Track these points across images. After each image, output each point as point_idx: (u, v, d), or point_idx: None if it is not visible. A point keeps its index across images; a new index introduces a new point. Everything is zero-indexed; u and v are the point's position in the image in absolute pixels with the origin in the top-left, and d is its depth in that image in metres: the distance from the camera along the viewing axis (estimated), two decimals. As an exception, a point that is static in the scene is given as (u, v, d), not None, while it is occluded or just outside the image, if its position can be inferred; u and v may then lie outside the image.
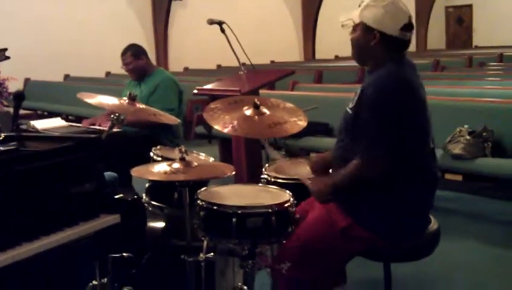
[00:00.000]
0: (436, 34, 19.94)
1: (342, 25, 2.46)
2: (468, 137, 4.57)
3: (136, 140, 4.33)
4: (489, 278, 3.61)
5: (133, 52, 4.69)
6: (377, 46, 2.38)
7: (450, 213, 4.76)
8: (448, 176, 5.39)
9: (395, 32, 2.36)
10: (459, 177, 4.84)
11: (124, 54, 4.72)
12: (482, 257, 3.94)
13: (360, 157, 2.31)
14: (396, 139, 2.27)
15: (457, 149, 4.55)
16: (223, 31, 4.12)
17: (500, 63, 10.81)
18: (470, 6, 19.46)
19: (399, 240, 2.40)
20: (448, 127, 4.71)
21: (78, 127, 4.52)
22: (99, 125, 4.45)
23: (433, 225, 2.52)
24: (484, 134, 4.58)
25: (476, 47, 17.82)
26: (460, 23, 20.01)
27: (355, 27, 2.43)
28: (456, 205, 5.13)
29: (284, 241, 2.43)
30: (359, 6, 2.42)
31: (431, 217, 2.55)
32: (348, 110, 2.43)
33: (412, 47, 18.97)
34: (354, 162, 2.33)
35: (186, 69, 13.87)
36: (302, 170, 2.86)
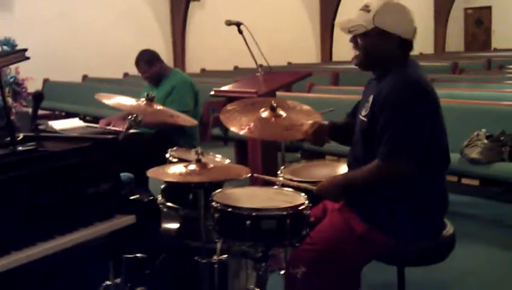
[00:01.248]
0: (455, 35, 19.80)
1: (349, 31, 2.40)
2: (485, 141, 4.53)
3: (153, 141, 4.36)
4: (505, 284, 3.58)
5: (146, 60, 4.69)
6: (393, 50, 2.37)
7: (466, 218, 4.72)
8: (464, 181, 5.36)
9: (411, 35, 2.38)
10: (476, 182, 4.80)
11: (137, 64, 4.74)
12: (498, 263, 3.90)
13: (382, 158, 2.27)
14: (417, 143, 2.26)
15: (474, 153, 4.51)
16: (240, 32, 4.13)
17: (520, 66, 10.70)
18: (489, 8, 19.29)
19: (414, 243, 2.39)
20: (465, 131, 4.67)
21: (96, 127, 4.56)
22: (114, 126, 4.48)
23: (449, 229, 2.50)
24: (502, 138, 4.53)
25: (495, 49, 17.64)
26: (479, 25, 19.84)
27: (364, 33, 2.37)
28: (473, 210, 5.08)
29: (298, 245, 2.43)
30: (366, 11, 2.36)
31: (447, 221, 2.53)
32: (362, 117, 2.41)
33: (430, 49, 18.85)
34: (374, 163, 2.29)
35: (203, 70, 13.90)
36: (318, 173, 2.85)
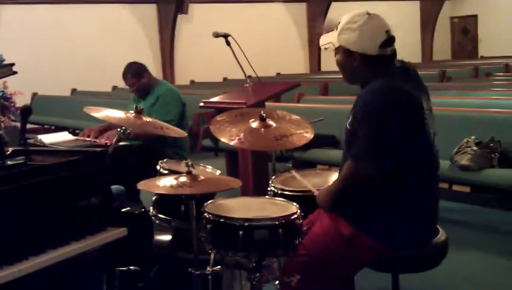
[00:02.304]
0: (442, 44, 19.92)
1: (325, 48, 2.48)
2: (475, 148, 4.55)
3: (142, 153, 4.34)
4: (498, 290, 3.59)
5: (134, 73, 4.65)
6: (360, 67, 2.39)
7: (457, 225, 4.73)
8: (455, 188, 5.36)
9: (375, 51, 2.36)
10: (467, 189, 4.81)
11: (124, 76, 4.69)
12: (490, 269, 3.91)
13: (351, 161, 2.32)
14: (387, 146, 2.27)
15: (464, 160, 4.53)
16: (228, 43, 4.14)
17: (507, 73, 10.79)
18: (475, 16, 19.43)
19: (403, 248, 2.39)
20: (455, 138, 4.69)
21: (85, 141, 4.53)
22: (96, 138, 4.42)
23: (441, 236, 2.50)
24: (491, 145, 4.56)
25: (482, 57, 17.78)
26: (465, 33, 19.99)
27: (336, 50, 2.44)
28: (464, 216, 5.10)
29: (291, 254, 2.43)
30: (336, 28, 2.42)
31: (439, 228, 2.54)
32: (347, 125, 2.44)
33: (418, 58, 18.97)
34: (346, 165, 2.36)
35: (192, 82, 13.92)
36: (311, 182, 2.85)
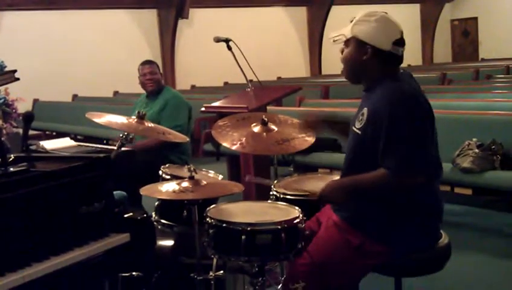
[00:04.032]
0: (442, 47, 19.93)
1: (334, 40, 2.43)
2: (476, 150, 4.55)
3: (144, 157, 4.35)
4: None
5: (157, 65, 4.86)
6: (369, 61, 2.36)
7: (460, 227, 4.73)
8: (457, 190, 5.37)
9: (388, 46, 2.34)
10: (469, 191, 4.81)
11: (150, 63, 4.83)
12: (492, 271, 3.90)
13: (390, 172, 2.25)
14: (425, 154, 2.27)
15: (466, 163, 4.53)
16: (229, 48, 4.14)
17: (507, 76, 10.79)
18: (475, 18, 19.44)
19: (411, 252, 2.38)
20: (456, 141, 4.70)
21: (87, 146, 4.54)
22: None
23: (444, 239, 2.50)
24: (493, 147, 4.56)
25: (482, 60, 17.78)
26: (466, 36, 20.00)
27: (346, 42, 2.40)
28: (466, 219, 5.09)
29: (294, 259, 2.42)
30: (350, 21, 2.40)
31: (441, 231, 2.53)
32: (356, 130, 2.40)
33: (418, 61, 18.96)
34: (380, 174, 2.27)
35: (193, 86, 13.92)
36: (311, 186, 2.85)
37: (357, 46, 2.37)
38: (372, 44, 2.34)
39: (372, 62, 2.36)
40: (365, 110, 2.37)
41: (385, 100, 2.29)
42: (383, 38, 2.35)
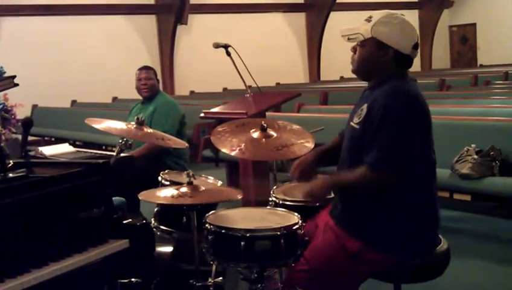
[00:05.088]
0: (441, 53, 19.96)
1: (348, 38, 2.42)
2: (475, 156, 4.55)
3: (142, 163, 4.35)
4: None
5: (154, 72, 4.92)
6: (388, 63, 2.37)
7: (458, 233, 4.72)
8: (456, 196, 5.36)
9: (408, 50, 2.37)
10: (468, 197, 4.81)
11: (148, 68, 4.89)
12: (491, 277, 3.89)
13: (368, 167, 2.28)
14: (406, 156, 2.27)
15: (465, 169, 4.53)
16: (228, 54, 4.14)
17: (506, 82, 10.80)
18: (473, 24, 19.48)
19: (410, 259, 2.38)
20: (455, 147, 4.70)
21: (86, 152, 4.54)
22: None
23: (443, 245, 2.50)
24: (492, 153, 4.56)
25: (481, 66, 17.81)
26: (464, 42, 20.04)
27: (363, 42, 2.39)
28: (465, 225, 5.09)
29: (293, 265, 2.42)
30: (368, 21, 2.38)
31: (440, 237, 2.53)
32: (354, 125, 2.40)
33: (417, 67, 18.96)
34: (361, 170, 2.30)
35: (192, 92, 13.92)
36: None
37: (376, 47, 2.37)
38: (396, 47, 2.35)
39: (390, 64, 2.38)
40: (365, 106, 2.37)
41: (387, 97, 2.31)
42: (404, 41, 2.37)
